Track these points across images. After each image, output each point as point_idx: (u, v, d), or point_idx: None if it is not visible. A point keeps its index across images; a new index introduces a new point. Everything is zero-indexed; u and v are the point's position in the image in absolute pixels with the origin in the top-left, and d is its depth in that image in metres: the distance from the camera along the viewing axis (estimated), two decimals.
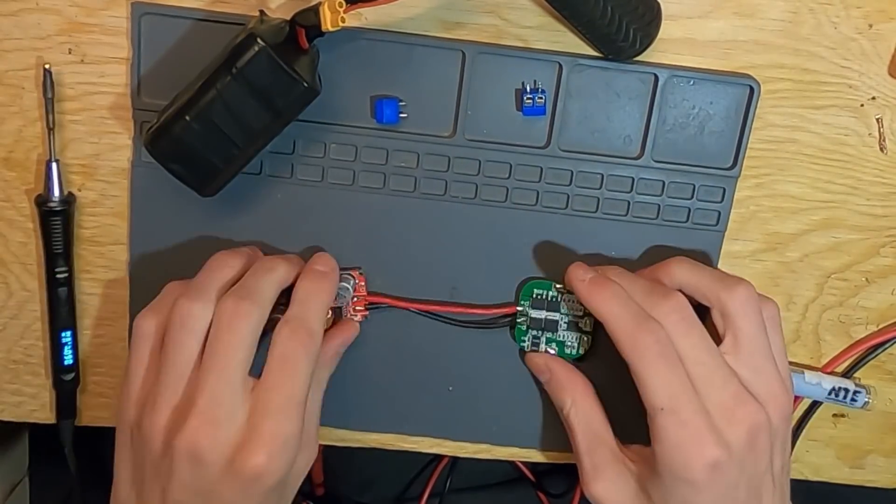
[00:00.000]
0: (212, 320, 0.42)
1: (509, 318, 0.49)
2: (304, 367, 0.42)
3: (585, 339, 0.49)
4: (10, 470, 0.71)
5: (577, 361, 0.49)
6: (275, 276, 0.44)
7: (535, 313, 0.49)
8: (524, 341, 0.49)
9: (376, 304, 0.49)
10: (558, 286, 0.48)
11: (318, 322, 0.43)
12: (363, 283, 0.48)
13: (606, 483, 0.45)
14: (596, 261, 0.48)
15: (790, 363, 0.50)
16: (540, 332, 0.49)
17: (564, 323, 0.49)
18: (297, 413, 0.41)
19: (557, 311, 0.49)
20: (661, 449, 0.42)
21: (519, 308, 0.49)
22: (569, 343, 0.49)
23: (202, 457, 0.40)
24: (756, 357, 0.43)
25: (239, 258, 0.45)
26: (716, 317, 0.44)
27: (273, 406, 0.41)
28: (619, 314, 0.43)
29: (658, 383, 0.41)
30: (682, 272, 0.45)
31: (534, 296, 0.49)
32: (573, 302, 0.48)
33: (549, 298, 0.49)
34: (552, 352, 0.49)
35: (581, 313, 0.49)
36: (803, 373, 0.51)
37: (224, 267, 0.44)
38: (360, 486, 0.71)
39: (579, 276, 0.46)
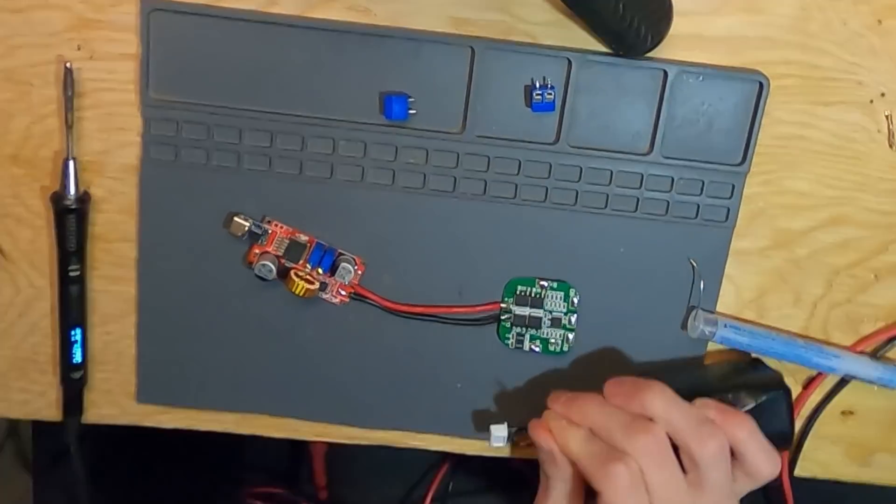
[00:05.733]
0: None
1: (497, 315, 0.49)
2: None
3: (569, 335, 0.49)
4: (14, 469, 0.71)
5: (561, 358, 0.49)
6: None
7: (518, 310, 0.49)
8: (508, 339, 0.49)
9: (362, 297, 0.49)
10: (542, 282, 0.48)
11: None
12: (360, 273, 0.48)
13: None
14: (604, 257, 0.49)
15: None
16: (524, 329, 0.49)
17: (548, 320, 0.49)
18: None
19: (541, 307, 0.49)
20: None
21: (503, 305, 0.49)
22: (553, 340, 0.49)
23: None
24: (721, 501, 0.43)
25: None
26: (683, 456, 0.43)
27: None
28: (584, 452, 0.43)
29: None
30: (657, 406, 0.43)
31: (517, 292, 0.49)
32: (557, 298, 0.48)
33: (533, 295, 0.49)
34: (537, 350, 0.49)
35: (565, 310, 0.49)
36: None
37: None
38: (362, 490, 0.71)
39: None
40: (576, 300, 0.49)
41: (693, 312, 0.49)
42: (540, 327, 0.49)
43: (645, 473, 0.42)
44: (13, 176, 0.47)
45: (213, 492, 0.68)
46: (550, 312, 0.49)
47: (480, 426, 0.51)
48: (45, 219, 0.48)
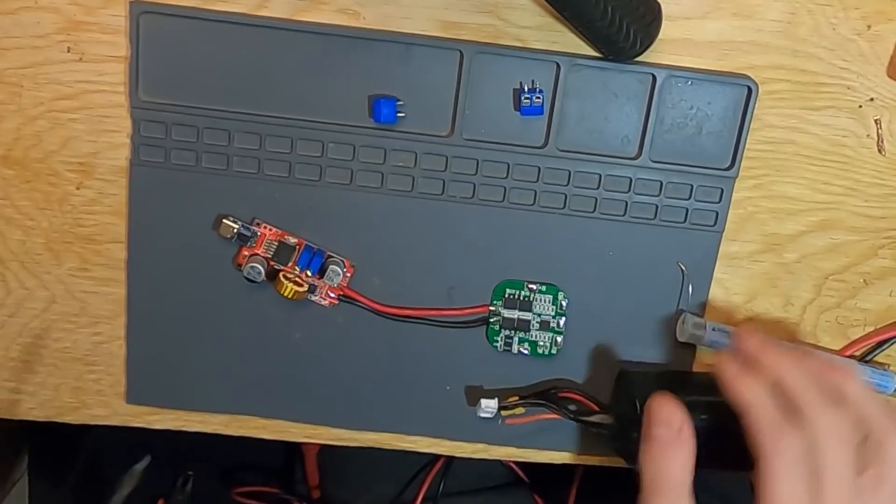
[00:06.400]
0: None
1: (486, 318, 0.49)
2: None
3: (558, 338, 0.49)
4: (10, 469, 0.71)
5: (550, 360, 0.50)
6: None
7: (507, 313, 0.49)
8: (497, 341, 0.49)
9: (351, 299, 0.49)
10: (531, 285, 0.48)
11: None
12: (349, 275, 0.48)
13: None
14: (593, 260, 0.49)
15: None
16: (513, 331, 0.49)
17: (537, 322, 0.49)
18: None
19: (530, 310, 0.49)
20: None
21: (491, 308, 0.49)
22: (541, 343, 0.49)
23: None
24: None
25: None
26: (869, 448, 0.39)
27: None
28: (763, 405, 0.39)
29: (783, 494, 0.37)
30: (855, 386, 0.40)
31: (506, 295, 0.49)
32: (545, 301, 0.48)
33: (522, 298, 0.49)
34: (525, 352, 0.49)
35: (553, 313, 0.49)
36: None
37: None
38: (355, 490, 0.71)
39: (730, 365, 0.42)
40: (564, 303, 0.49)
41: (682, 316, 0.49)
42: (528, 330, 0.49)
43: (824, 453, 0.37)
44: (4, 177, 0.47)
45: (204, 490, 0.68)
46: (539, 315, 0.49)
47: (470, 426, 0.51)
48: (35, 220, 0.48)
